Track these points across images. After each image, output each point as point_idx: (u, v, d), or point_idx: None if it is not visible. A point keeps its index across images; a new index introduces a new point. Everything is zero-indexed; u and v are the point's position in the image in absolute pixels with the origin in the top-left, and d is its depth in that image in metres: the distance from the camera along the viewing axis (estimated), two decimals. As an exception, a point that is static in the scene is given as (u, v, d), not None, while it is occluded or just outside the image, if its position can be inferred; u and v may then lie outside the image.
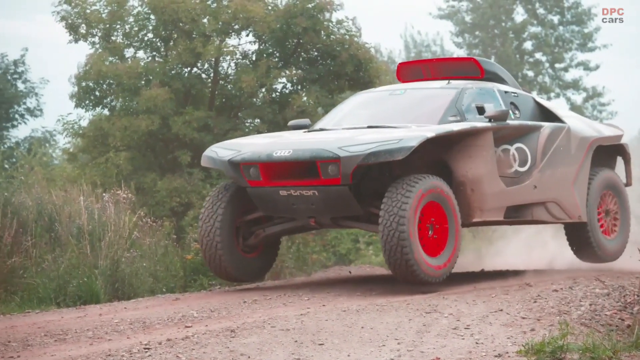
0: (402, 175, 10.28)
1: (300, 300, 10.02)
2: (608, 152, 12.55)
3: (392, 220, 9.82)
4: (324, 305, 9.45)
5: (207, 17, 17.04)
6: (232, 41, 17.39)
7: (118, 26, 17.26)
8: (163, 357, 7.26)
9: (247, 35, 17.40)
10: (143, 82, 16.89)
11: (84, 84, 16.89)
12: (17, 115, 30.58)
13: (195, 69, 17.37)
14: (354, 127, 10.95)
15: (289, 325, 8.24)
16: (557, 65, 39.12)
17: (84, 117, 17.31)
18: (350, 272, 14.79)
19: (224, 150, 10.71)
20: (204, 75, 17.53)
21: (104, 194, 13.48)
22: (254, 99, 17.26)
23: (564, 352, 7.12)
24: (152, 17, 17.14)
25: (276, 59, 17.24)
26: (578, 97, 39.30)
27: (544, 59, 39.17)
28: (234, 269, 10.85)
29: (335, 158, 9.95)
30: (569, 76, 39.25)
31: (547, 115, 11.98)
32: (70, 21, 17.07)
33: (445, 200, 10.19)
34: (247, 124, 17.38)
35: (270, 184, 10.36)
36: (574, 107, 37.93)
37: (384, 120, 11.08)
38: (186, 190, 16.02)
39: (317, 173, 10.10)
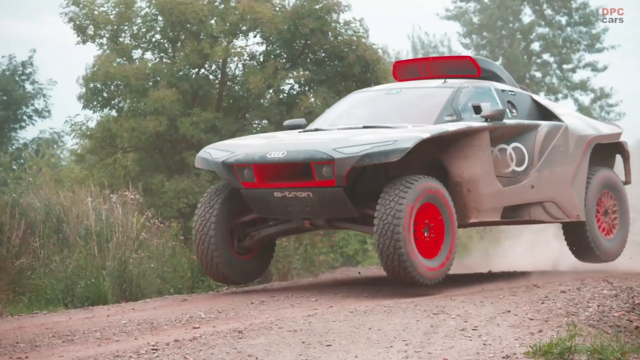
0: (397, 176, 10.19)
1: (307, 301, 10.01)
2: (607, 150, 12.44)
3: (387, 222, 9.74)
4: (331, 307, 9.45)
5: (215, 18, 17.05)
6: (239, 42, 17.41)
7: (126, 27, 17.28)
8: (171, 358, 7.26)
9: (255, 36, 17.42)
10: (151, 83, 16.91)
11: (91, 85, 16.91)
12: (25, 117, 30.64)
13: (202, 70, 17.39)
14: (349, 127, 10.85)
15: (297, 326, 8.24)
16: (564, 66, 39.06)
17: (92, 118, 17.35)
18: (359, 272, 14.79)
19: (217, 152, 10.61)
20: (211, 77, 17.55)
21: (111, 195, 13.49)
22: (262, 100, 17.26)
23: (571, 353, 7.11)
24: (159, 18, 17.16)
25: (284, 60, 17.24)
26: (586, 98, 39.25)
27: (551, 60, 39.12)
28: (228, 271, 10.74)
29: (329, 160, 9.86)
30: (576, 77, 39.21)
31: (545, 113, 11.86)
32: (78, 22, 17.10)
33: (441, 201, 10.10)
34: (254, 125, 17.39)
35: (265, 186, 10.26)
36: (582, 108, 37.88)
37: (380, 120, 10.98)
38: (194, 191, 16.03)
39: (311, 174, 10.00)
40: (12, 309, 10.80)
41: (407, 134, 10.05)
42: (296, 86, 17.44)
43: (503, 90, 11.56)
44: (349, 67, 16.96)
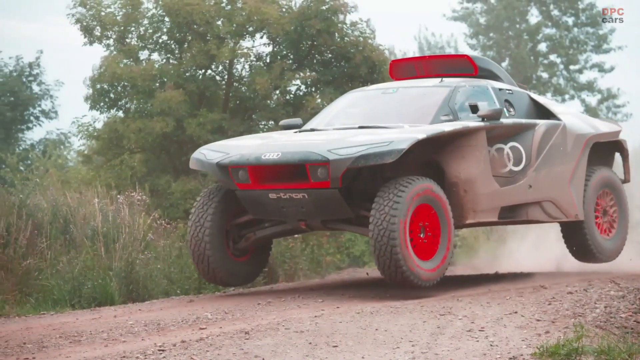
0: (393, 176, 10.12)
1: (314, 302, 10.01)
2: (605, 148, 12.36)
3: (382, 223, 9.65)
4: (338, 307, 9.45)
5: (222, 19, 17.08)
6: (246, 43, 17.44)
7: (132, 28, 17.32)
8: (177, 359, 7.27)
9: (261, 37, 17.44)
10: (157, 84, 16.93)
11: (98, 86, 16.94)
12: (32, 118, 30.72)
13: (209, 71, 17.41)
14: (345, 127, 10.77)
15: (303, 327, 8.24)
16: (571, 67, 39.02)
17: (99, 119, 17.40)
18: (367, 273, 14.79)
19: (212, 153, 10.52)
20: (218, 77, 17.57)
21: (118, 196, 13.50)
22: (268, 101, 17.28)
23: (578, 354, 7.10)
24: (166, 19, 17.19)
25: (290, 61, 17.26)
26: (593, 99, 39.20)
27: (558, 60, 39.08)
28: (223, 273, 10.66)
29: (324, 161, 9.76)
30: (583, 78, 39.16)
31: (543, 112, 11.78)
32: (85, 23, 17.13)
33: (437, 202, 10.01)
34: (261, 126, 17.41)
35: (259, 187, 10.17)
36: (589, 109, 37.83)
37: (376, 119, 10.90)
38: (200, 192, 16.04)
39: (306, 176, 9.89)
40: (20, 310, 10.82)
41: (402, 135, 9.96)
42: (303, 87, 17.45)
43: (500, 89, 11.47)
44: (356, 68, 16.97)
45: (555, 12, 39.32)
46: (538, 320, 8.34)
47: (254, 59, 17.44)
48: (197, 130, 16.34)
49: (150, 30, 17.32)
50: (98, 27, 17.19)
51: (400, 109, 11.08)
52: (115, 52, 17.24)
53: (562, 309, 8.73)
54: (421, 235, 9.97)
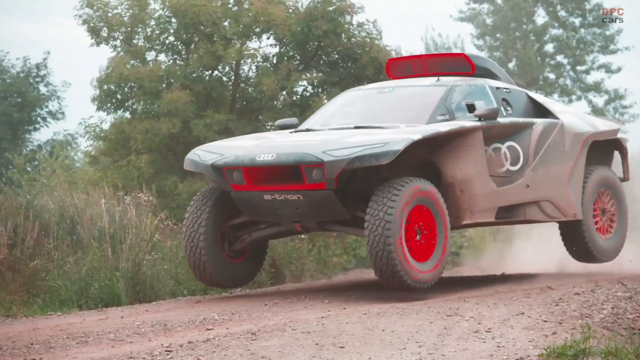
0: (389, 177, 10.07)
1: (321, 303, 10.01)
2: (604, 147, 12.28)
3: (378, 225, 9.58)
4: (344, 308, 9.45)
5: (228, 20, 17.09)
6: (253, 44, 17.45)
7: (139, 29, 17.34)
8: (184, 360, 7.28)
9: (268, 38, 17.45)
10: (164, 85, 16.95)
11: (105, 87, 16.96)
12: (39, 118, 30.77)
13: (216, 72, 17.42)
14: (341, 127, 10.70)
15: (310, 328, 8.24)
16: (578, 68, 38.96)
17: (106, 120, 17.42)
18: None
19: (206, 154, 10.45)
20: (224, 78, 17.58)
21: (125, 197, 13.51)
22: (275, 102, 17.28)
23: (586, 355, 7.09)
24: (173, 20, 17.20)
25: (297, 62, 17.26)
26: (600, 100, 39.13)
27: (565, 61, 39.02)
28: (219, 275, 10.60)
29: (319, 162, 9.69)
30: (590, 79, 39.09)
31: (541, 110, 11.69)
32: (92, 24, 17.16)
33: (433, 203, 9.93)
34: (267, 127, 17.41)
35: (254, 189, 10.09)
36: (596, 110, 37.77)
37: (372, 119, 10.83)
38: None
39: (301, 177, 9.82)
40: (27, 311, 10.83)
41: (398, 136, 9.87)
42: (309, 88, 17.46)
43: (498, 88, 11.38)
44: (362, 69, 16.97)
45: (562, 13, 39.27)
46: (545, 321, 8.33)
47: (261, 60, 17.45)
48: (204, 131, 16.35)
49: (157, 31, 17.34)
50: (105, 28, 17.21)
51: (396, 108, 11.00)
52: (122, 53, 17.26)
53: (569, 310, 8.72)
54: (417, 237, 9.89)
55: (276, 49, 17.52)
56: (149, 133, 16.50)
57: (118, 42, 17.37)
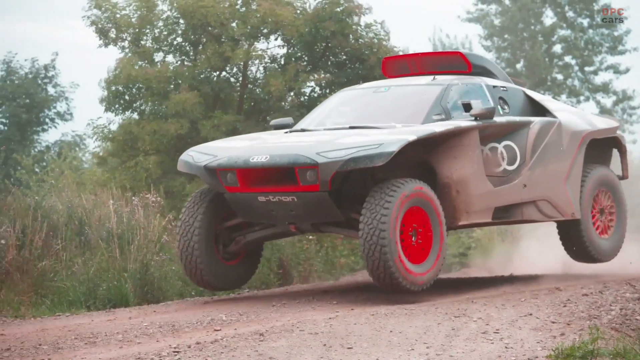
0: (384, 178, 9.97)
1: (328, 304, 10.01)
2: (603, 145, 12.17)
3: (372, 227, 9.48)
4: (352, 309, 9.44)
5: (236, 21, 17.10)
6: (260, 45, 17.46)
7: (147, 30, 17.36)
8: (192, 361, 7.29)
9: (276, 39, 17.46)
10: (172, 86, 16.97)
11: (113, 88, 16.99)
12: (47, 120, 30.85)
13: (224, 73, 17.44)
14: (336, 127, 10.60)
15: (318, 328, 8.24)
16: (586, 69, 38.91)
17: (114, 121, 17.45)
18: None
19: (200, 155, 10.36)
20: (232, 79, 17.59)
21: (133, 198, 13.53)
22: (283, 103, 17.29)
23: (594, 356, 7.08)
24: (181, 21, 17.22)
25: (304, 63, 17.27)
26: (608, 101, 39.08)
27: (573, 62, 38.98)
28: (213, 277, 10.49)
29: (313, 164, 9.59)
30: (598, 79, 39.04)
31: (539, 108, 11.57)
32: (100, 26, 17.19)
33: (428, 204, 9.83)
34: (275, 128, 17.42)
35: (248, 190, 9.98)
36: (604, 111, 37.72)
37: (368, 119, 10.72)
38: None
39: (295, 179, 9.73)
40: (35, 311, 10.85)
41: (392, 137, 9.77)
42: (317, 89, 17.46)
43: (494, 86, 11.27)
44: (370, 70, 16.96)
45: (570, 14, 39.23)
46: (553, 322, 8.32)
47: (269, 61, 17.46)
48: (212, 132, 16.36)
49: (165, 32, 17.37)
50: (113, 29, 17.24)
51: (391, 108, 10.90)
52: (130, 54, 17.28)
53: (578, 311, 8.70)
54: (413, 239, 9.79)
55: (284, 50, 17.54)
56: (157, 134, 16.52)
57: (126, 43, 17.40)
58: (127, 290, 11.50)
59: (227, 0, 17.14)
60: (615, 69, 39.02)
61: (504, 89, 11.42)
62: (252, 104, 17.51)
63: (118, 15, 17.15)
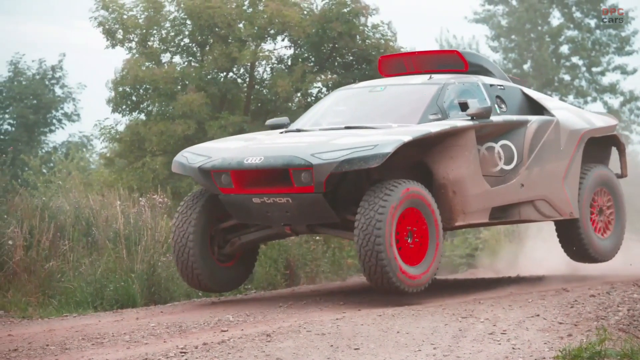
0: (380, 179, 9.91)
1: (335, 304, 10.01)
2: (601, 143, 12.09)
3: (368, 229, 9.43)
4: (359, 310, 9.44)
5: (243, 22, 17.10)
6: (267, 46, 17.45)
7: (154, 31, 17.37)
8: (199, 361, 7.29)
9: (283, 40, 17.46)
10: (179, 87, 16.98)
11: (120, 89, 17.00)
12: (54, 120, 30.90)
13: (231, 74, 17.44)
14: (331, 127, 10.55)
15: (325, 329, 8.24)
16: (594, 69, 38.84)
17: (121, 122, 17.45)
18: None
19: (194, 156, 10.28)
20: (239, 80, 17.60)
21: (140, 199, 13.54)
22: (290, 104, 17.29)
23: (601, 357, 7.07)
24: (188, 22, 17.23)
25: (311, 64, 17.27)
26: (615, 101, 39.02)
27: (580, 62, 38.91)
28: (208, 279, 10.42)
29: (307, 166, 9.53)
30: (606, 80, 38.96)
31: (536, 107, 11.49)
32: (107, 27, 17.20)
33: (424, 206, 9.77)
34: (282, 129, 17.42)
35: (243, 192, 9.93)
36: (611, 111, 37.67)
37: (363, 119, 10.65)
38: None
39: (290, 180, 9.69)
40: (42, 312, 10.87)
41: (388, 137, 9.71)
42: (324, 89, 17.44)
43: (491, 85, 11.19)
44: (377, 71, 16.93)
45: (578, 14, 39.18)
46: (560, 323, 8.31)
47: (276, 62, 17.46)
48: (219, 132, 16.36)
49: (172, 33, 17.37)
50: (120, 30, 17.25)
51: (387, 107, 10.83)
52: (137, 55, 17.29)
53: (585, 312, 8.69)
54: (408, 240, 9.73)
55: (291, 51, 17.54)
56: (164, 135, 16.53)
57: (133, 44, 17.40)
58: (134, 291, 11.51)
59: (234, 1, 17.14)
60: (623, 70, 38.96)
61: (501, 87, 11.33)
62: (259, 104, 17.51)
63: (125, 16, 17.16)
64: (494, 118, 10.70)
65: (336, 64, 17.41)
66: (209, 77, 17.09)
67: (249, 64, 17.25)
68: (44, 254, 11.79)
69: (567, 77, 38.99)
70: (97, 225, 12.69)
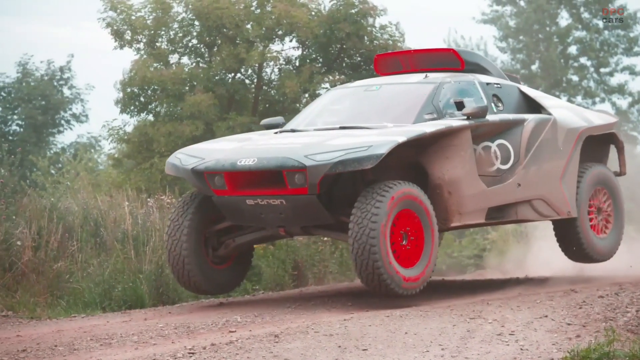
0: (375, 180, 9.82)
1: (343, 305, 10.01)
2: (600, 141, 11.99)
3: (362, 231, 9.33)
4: (367, 311, 9.44)
5: (251, 22, 17.12)
6: (275, 47, 17.46)
7: (163, 32, 17.39)
8: (207, 362, 7.30)
9: (291, 40, 17.47)
10: (187, 87, 17.00)
11: (129, 89, 17.03)
12: (63, 121, 30.97)
13: (238, 75, 17.45)
14: (326, 127, 10.46)
15: (333, 330, 8.24)
16: (602, 70, 38.79)
17: (129, 122, 17.48)
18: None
19: (187, 158, 10.15)
20: (247, 81, 17.61)
21: (148, 199, 13.56)
22: (298, 105, 17.29)
23: (610, 358, 7.06)
24: (196, 23, 17.25)
25: (319, 64, 17.27)
26: (623, 102, 38.96)
27: (588, 63, 38.86)
28: (203, 281, 10.33)
29: (301, 167, 9.43)
30: (614, 81, 38.90)
31: (534, 105, 11.38)
32: (115, 27, 17.23)
33: (419, 207, 9.68)
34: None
35: (236, 193, 9.82)
36: (619, 112, 37.61)
37: (359, 118, 10.56)
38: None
39: (283, 182, 9.58)
40: (51, 313, 10.88)
41: (382, 138, 9.62)
42: (332, 90, 17.45)
43: (488, 84, 11.07)
44: (382, 71, 16.94)
45: (586, 15, 39.13)
46: (569, 324, 8.30)
47: (283, 63, 17.47)
48: (227, 133, 16.37)
49: (180, 34, 17.39)
50: (128, 31, 17.28)
51: (382, 107, 10.74)
52: (145, 56, 17.31)
53: (593, 313, 8.68)
54: (403, 242, 9.64)
55: (299, 52, 17.55)
56: (172, 136, 16.54)
57: (141, 45, 17.43)
58: (142, 292, 11.52)
59: (242, 2, 17.15)
60: (631, 70, 38.89)
61: (498, 85, 11.22)
62: (267, 105, 17.52)
63: (133, 17, 17.18)
64: (490, 117, 10.59)
65: (344, 64, 17.42)
66: (217, 78, 17.10)
67: (256, 65, 17.26)
68: (52, 255, 11.81)
69: (575, 78, 38.93)
70: (106, 226, 12.70)
